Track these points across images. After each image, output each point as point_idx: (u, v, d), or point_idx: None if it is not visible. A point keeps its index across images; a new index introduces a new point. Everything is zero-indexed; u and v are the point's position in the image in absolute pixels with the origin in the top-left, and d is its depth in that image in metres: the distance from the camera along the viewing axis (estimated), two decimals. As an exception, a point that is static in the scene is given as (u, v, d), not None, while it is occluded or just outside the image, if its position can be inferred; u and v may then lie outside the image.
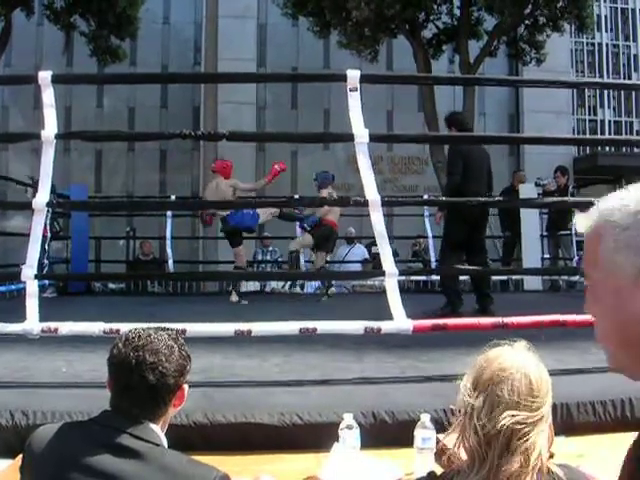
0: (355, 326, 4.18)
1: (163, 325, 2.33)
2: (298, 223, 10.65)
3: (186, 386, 2.16)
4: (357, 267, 13.36)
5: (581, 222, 1.27)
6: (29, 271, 4.31)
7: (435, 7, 16.43)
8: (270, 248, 14.64)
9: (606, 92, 23.72)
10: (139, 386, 2.05)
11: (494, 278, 13.03)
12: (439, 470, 2.16)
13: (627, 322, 1.19)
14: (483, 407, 1.82)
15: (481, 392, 1.84)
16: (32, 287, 4.29)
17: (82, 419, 2.27)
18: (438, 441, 2.82)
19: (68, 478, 1.92)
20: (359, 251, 13.96)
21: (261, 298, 10.65)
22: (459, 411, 1.91)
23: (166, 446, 2.08)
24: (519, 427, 1.78)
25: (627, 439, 3.47)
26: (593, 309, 1.27)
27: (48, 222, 9.80)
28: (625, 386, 3.71)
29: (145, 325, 2.24)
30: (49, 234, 10.05)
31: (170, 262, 11.89)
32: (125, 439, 1.97)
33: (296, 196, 12.89)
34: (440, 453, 2.66)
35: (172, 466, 1.94)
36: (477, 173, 7.30)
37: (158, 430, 2.07)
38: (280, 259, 14.66)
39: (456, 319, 4.34)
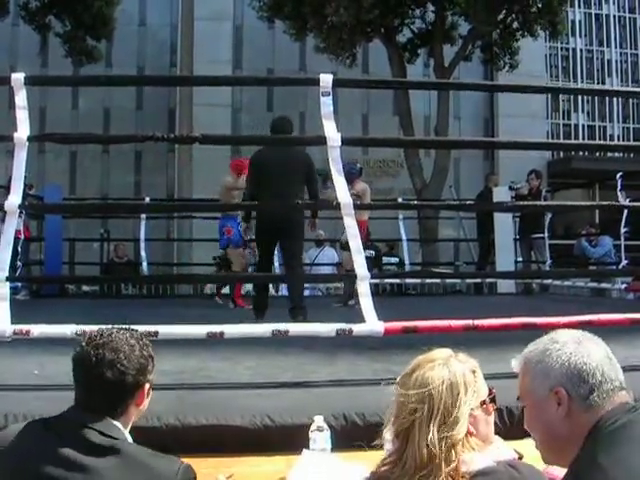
0: (327, 328, 4.19)
1: (135, 327, 2.34)
2: None
3: (147, 385, 2.17)
4: (327, 270, 13.30)
5: (514, 363, 1.85)
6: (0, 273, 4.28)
7: (410, 12, 16.50)
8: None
9: (580, 97, 23.94)
10: (99, 383, 2.07)
11: (468, 281, 13.12)
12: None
13: (543, 428, 1.75)
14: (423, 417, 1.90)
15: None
16: (2, 289, 4.27)
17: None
18: None
19: (30, 475, 1.93)
20: (329, 254, 13.88)
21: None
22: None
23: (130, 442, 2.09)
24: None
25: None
26: (528, 424, 1.81)
27: (22, 224, 9.76)
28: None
29: (113, 326, 2.26)
30: (22, 236, 9.98)
31: (144, 264, 11.86)
32: (87, 433, 1.99)
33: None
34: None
35: (135, 457, 1.96)
36: (272, 180, 7.00)
37: (120, 426, 2.09)
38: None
39: (428, 322, 4.34)
